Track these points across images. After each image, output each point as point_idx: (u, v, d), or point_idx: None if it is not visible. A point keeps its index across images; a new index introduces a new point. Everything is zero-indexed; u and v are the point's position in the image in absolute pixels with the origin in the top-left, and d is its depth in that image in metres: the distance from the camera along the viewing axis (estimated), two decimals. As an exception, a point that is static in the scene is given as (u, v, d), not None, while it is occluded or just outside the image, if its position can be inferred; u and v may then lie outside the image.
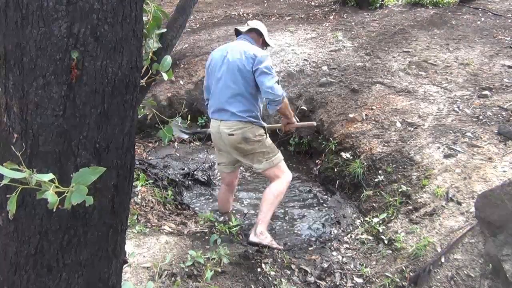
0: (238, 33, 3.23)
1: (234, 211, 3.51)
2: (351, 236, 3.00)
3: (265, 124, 3.05)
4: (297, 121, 3.31)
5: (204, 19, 8.25)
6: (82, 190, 0.92)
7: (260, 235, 2.87)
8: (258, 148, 2.96)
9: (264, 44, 3.21)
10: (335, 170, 3.87)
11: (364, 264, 2.69)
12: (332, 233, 3.15)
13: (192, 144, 4.77)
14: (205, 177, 4.09)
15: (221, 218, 3.33)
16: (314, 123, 3.68)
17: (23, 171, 0.89)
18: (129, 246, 2.53)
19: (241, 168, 4.05)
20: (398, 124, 3.86)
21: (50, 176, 0.91)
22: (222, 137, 2.96)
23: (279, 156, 3.07)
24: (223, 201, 3.42)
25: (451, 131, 3.54)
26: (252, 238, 2.86)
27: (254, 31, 3.15)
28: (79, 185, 0.92)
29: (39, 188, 0.92)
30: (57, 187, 0.92)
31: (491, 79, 4.45)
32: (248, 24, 3.21)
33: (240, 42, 3.07)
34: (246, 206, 3.64)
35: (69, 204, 0.92)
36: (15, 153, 1.04)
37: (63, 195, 0.93)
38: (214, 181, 4.11)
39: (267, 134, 3.07)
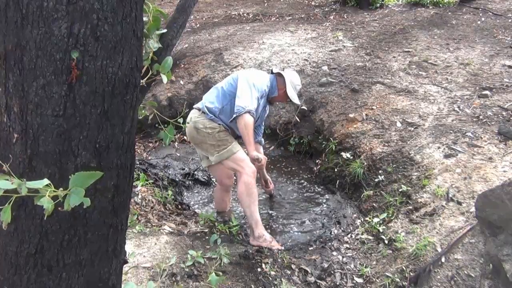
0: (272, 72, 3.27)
1: (233, 211, 3.51)
2: (351, 236, 3.00)
3: (220, 122, 2.97)
4: (261, 157, 3.00)
5: (204, 19, 8.25)
6: (79, 192, 0.91)
7: (259, 238, 2.88)
8: (208, 140, 2.96)
9: (287, 96, 3.14)
10: (335, 170, 3.87)
11: (364, 264, 2.69)
12: (332, 233, 3.14)
13: (192, 144, 4.77)
14: (205, 177, 4.09)
15: (221, 218, 3.33)
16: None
17: (12, 182, 0.88)
18: (129, 246, 2.53)
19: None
20: (398, 124, 3.86)
21: (45, 182, 0.90)
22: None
23: (231, 149, 2.95)
24: (218, 200, 3.46)
25: (451, 131, 3.54)
26: (252, 242, 2.91)
27: (281, 77, 3.13)
28: (76, 188, 0.91)
29: (35, 194, 0.91)
30: (54, 191, 0.91)
31: (492, 79, 4.45)
32: (283, 69, 3.25)
33: (264, 72, 3.16)
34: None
35: (68, 206, 0.92)
36: (15, 153, 1.04)
37: (62, 198, 0.93)
38: (214, 181, 4.11)
39: (221, 129, 2.97)
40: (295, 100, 3.15)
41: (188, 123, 2.98)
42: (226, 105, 2.95)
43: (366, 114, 4.13)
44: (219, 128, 2.96)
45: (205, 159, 3.17)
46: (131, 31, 1.08)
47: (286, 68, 3.24)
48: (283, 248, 2.91)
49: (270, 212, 3.55)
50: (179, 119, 1.74)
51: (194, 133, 2.99)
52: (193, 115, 3.02)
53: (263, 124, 3.45)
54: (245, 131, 2.79)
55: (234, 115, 2.82)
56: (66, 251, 1.13)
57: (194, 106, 3.09)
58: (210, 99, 3.02)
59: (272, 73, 3.23)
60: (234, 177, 3.37)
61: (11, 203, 0.91)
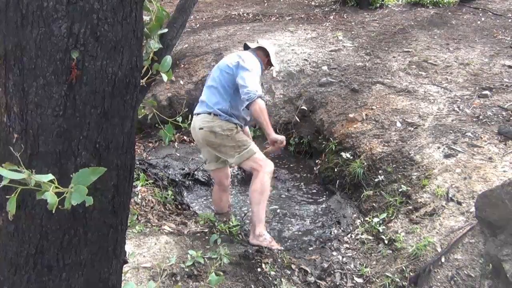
0: (246, 48, 3.30)
1: (233, 211, 3.51)
2: (351, 236, 3.00)
3: (235, 121, 2.99)
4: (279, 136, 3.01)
5: (204, 19, 8.24)
6: (82, 190, 0.91)
7: (259, 236, 2.88)
8: (227, 142, 2.96)
9: (269, 64, 3.25)
10: (335, 170, 3.87)
11: (364, 264, 2.69)
12: (332, 233, 3.14)
13: (192, 144, 4.76)
14: (205, 177, 4.09)
15: (220, 218, 3.33)
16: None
17: (22, 171, 0.89)
18: (129, 246, 2.53)
19: (235, 168, 4.05)
20: (398, 124, 3.86)
21: (50, 176, 0.91)
22: (196, 132, 3.03)
23: (252, 149, 2.98)
24: (217, 200, 3.46)
25: (451, 131, 3.54)
26: (252, 240, 2.90)
27: (261, 50, 3.19)
28: (78, 186, 0.92)
29: (39, 189, 0.91)
30: (56, 187, 0.91)
31: (491, 79, 4.45)
32: (257, 42, 3.29)
33: (245, 51, 3.18)
34: (247, 206, 3.64)
35: (69, 204, 0.92)
36: (15, 153, 1.04)
37: (63, 196, 0.93)
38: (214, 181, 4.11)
39: (238, 130, 3.01)
40: (277, 66, 3.32)
41: (201, 128, 2.95)
42: (232, 99, 2.96)
43: (366, 114, 4.13)
44: (236, 130, 2.98)
45: (212, 162, 3.18)
46: (131, 31, 1.08)
47: (256, 42, 3.34)
48: (282, 248, 2.91)
49: (270, 212, 3.55)
50: (177, 119, 1.74)
51: (211, 138, 2.95)
52: (205, 119, 2.96)
53: None
54: (261, 115, 2.83)
55: (247, 103, 2.82)
56: (66, 251, 1.13)
57: (201, 111, 3.01)
58: (213, 101, 2.97)
59: (246, 47, 3.27)
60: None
61: (16, 194, 0.91)
